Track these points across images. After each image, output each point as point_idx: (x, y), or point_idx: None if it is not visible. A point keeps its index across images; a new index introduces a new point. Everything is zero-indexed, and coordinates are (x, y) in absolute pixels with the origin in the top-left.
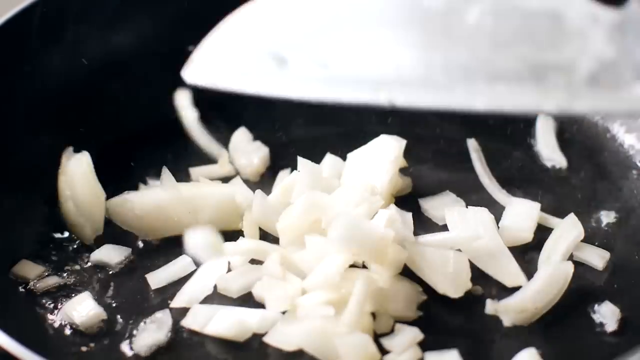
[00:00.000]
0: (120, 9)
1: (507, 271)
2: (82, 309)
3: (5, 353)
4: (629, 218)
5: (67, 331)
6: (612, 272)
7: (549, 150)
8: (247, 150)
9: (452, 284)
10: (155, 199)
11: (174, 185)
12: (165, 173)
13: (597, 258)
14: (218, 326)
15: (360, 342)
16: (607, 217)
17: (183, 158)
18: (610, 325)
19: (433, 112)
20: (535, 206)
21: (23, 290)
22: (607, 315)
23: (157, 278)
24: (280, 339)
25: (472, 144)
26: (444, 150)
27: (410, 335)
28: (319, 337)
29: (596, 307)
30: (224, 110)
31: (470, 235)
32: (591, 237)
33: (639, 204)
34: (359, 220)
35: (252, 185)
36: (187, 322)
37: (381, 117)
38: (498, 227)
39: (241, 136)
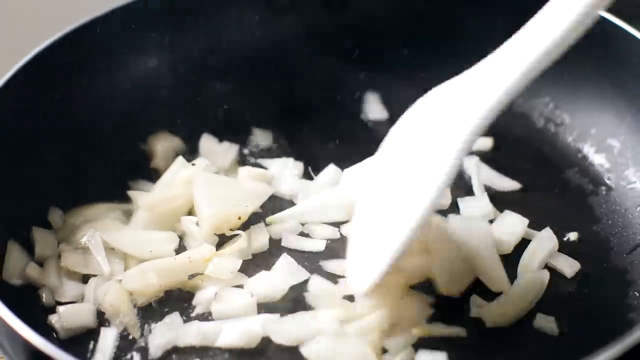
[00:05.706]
0: None
1: (495, 278)
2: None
3: (38, 351)
4: (597, 232)
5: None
6: (580, 281)
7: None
8: (219, 151)
9: (453, 279)
10: (163, 262)
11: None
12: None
13: (566, 267)
14: (228, 339)
15: (360, 351)
16: (577, 231)
17: None
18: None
19: None
20: (524, 222)
21: (40, 293)
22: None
23: None
24: (281, 338)
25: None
26: None
27: (405, 336)
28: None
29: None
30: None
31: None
32: (563, 248)
33: (607, 218)
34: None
35: None
36: (197, 341)
37: None
38: None
39: (208, 141)
